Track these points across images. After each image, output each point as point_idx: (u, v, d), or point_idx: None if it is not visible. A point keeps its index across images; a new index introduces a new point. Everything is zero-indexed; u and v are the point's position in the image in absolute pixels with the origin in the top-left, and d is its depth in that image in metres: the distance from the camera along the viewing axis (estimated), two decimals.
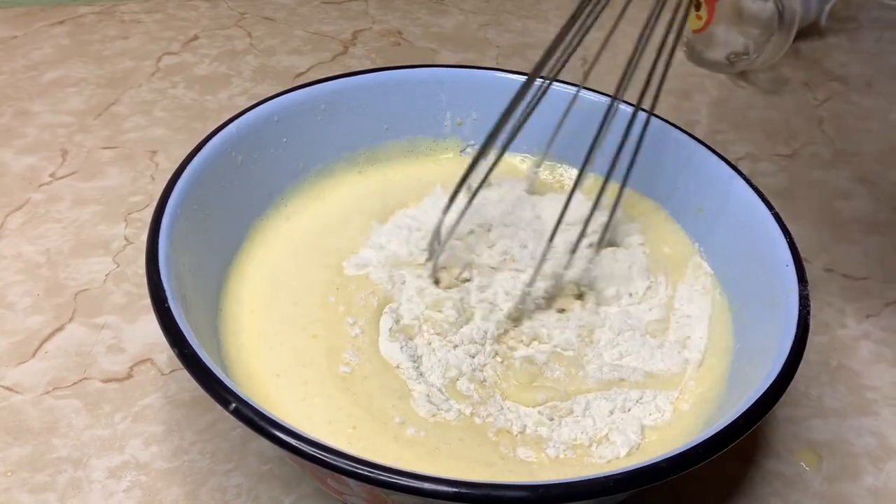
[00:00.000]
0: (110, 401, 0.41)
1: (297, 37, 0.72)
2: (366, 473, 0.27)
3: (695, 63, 0.72)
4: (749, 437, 0.42)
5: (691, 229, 0.45)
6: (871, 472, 0.41)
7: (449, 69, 0.49)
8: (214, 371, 0.30)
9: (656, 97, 0.39)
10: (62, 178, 0.54)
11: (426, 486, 0.27)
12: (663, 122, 0.45)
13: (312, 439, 0.28)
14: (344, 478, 0.28)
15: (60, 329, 0.44)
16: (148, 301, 0.48)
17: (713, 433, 0.30)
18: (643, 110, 0.39)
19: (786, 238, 0.38)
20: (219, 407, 0.42)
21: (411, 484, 0.27)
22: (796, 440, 0.42)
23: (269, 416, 0.29)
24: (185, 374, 0.42)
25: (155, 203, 0.53)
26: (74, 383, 0.41)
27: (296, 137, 0.44)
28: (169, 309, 0.32)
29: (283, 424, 0.29)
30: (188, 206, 0.37)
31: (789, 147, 0.63)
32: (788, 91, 0.70)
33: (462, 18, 0.76)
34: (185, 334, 0.31)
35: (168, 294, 0.33)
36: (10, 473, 0.37)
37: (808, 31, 0.77)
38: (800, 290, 0.35)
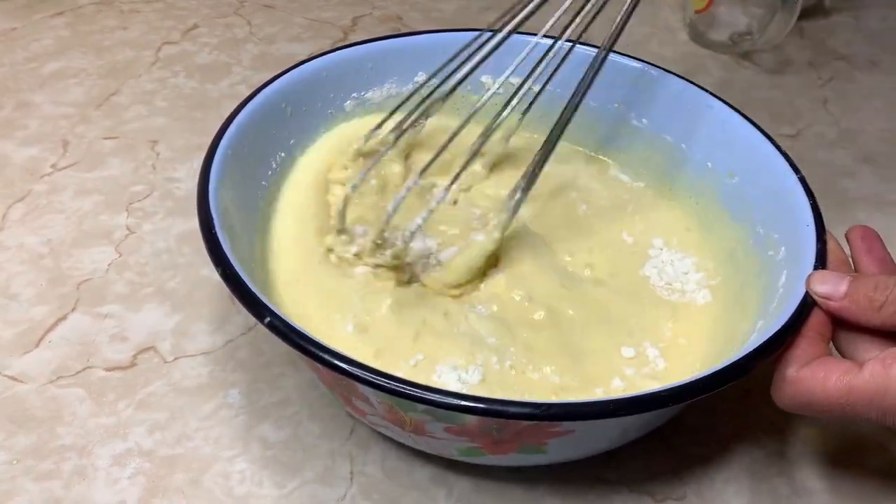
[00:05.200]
0: (114, 389, 0.41)
1: (296, 24, 0.71)
2: (385, 385, 0.29)
3: (698, 44, 0.72)
4: (749, 412, 0.42)
5: (725, 194, 0.45)
6: (875, 447, 0.41)
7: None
8: (250, 287, 0.32)
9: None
10: (64, 168, 0.54)
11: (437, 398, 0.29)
12: (698, 89, 0.46)
13: (338, 352, 0.30)
14: (365, 393, 0.31)
15: (64, 319, 0.44)
16: (151, 289, 0.48)
17: (715, 370, 0.31)
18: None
19: (809, 200, 0.39)
20: (222, 393, 0.42)
21: (422, 395, 0.29)
22: (801, 417, 0.42)
23: (301, 330, 0.31)
24: (188, 362, 0.42)
25: (157, 192, 0.53)
26: (78, 372, 0.42)
27: (342, 93, 0.47)
28: (215, 234, 0.34)
29: (312, 337, 0.30)
30: (237, 148, 0.39)
31: (794, 127, 0.63)
32: (793, 71, 0.70)
33: (462, 2, 0.76)
34: (229, 257, 0.33)
35: (216, 224, 0.34)
36: (15, 462, 0.38)
37: (813, 10, 0.76)
38: (817, 248, 0.37)
